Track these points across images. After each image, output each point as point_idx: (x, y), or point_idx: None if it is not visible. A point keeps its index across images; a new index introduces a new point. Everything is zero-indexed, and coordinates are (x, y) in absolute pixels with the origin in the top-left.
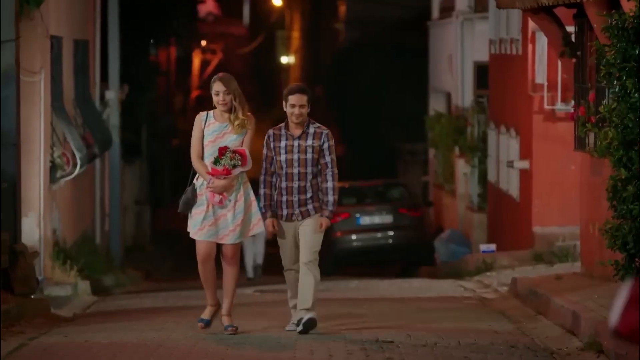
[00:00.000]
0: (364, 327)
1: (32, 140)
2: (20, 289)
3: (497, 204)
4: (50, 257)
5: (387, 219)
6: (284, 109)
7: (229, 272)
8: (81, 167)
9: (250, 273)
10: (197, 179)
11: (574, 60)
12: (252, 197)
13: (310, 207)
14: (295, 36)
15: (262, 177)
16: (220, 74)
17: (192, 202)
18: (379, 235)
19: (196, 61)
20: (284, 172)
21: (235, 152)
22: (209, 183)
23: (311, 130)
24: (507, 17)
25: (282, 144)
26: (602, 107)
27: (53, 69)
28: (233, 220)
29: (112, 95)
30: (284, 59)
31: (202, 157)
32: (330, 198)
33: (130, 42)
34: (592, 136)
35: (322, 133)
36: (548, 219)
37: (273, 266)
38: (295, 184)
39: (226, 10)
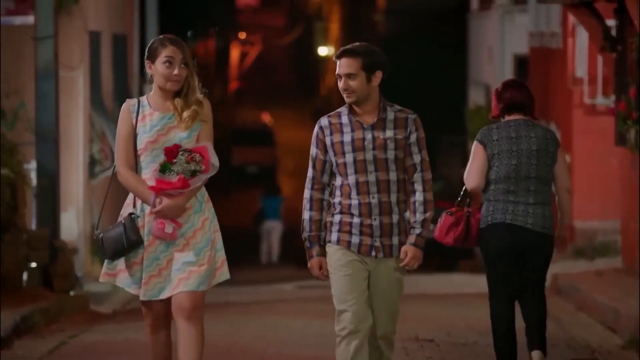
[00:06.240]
0: (404, 325)
1: (71, 135)
2: (59, 286)
3: None
4: (89, 253)
5: None
6: None
7: (190, 334)
8: None
9: (263, 258)
10: (131, 204)
11: (614, 54)
12: (217, 224)
13: (395, 241)
14: (334, 27)
15: (308, 193)
16: (168, 35)
17: (133, 241)
18: None
19: (235, 53)
20: (354, 181)
21: (192, 151)
22: (153, 205)
23: (390, 115)
24: (547, 10)
25: (347, 137)
26: None
27: (92, 64)
28: (195, 256)
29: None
30: (323, 50)
31: (135, 168)
32: (420, 216)
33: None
34: (632, 132)
35: (407, 119)
36: (589, 213)
37: (286, 259)
38: (374, 199)
39: (265, 1)
